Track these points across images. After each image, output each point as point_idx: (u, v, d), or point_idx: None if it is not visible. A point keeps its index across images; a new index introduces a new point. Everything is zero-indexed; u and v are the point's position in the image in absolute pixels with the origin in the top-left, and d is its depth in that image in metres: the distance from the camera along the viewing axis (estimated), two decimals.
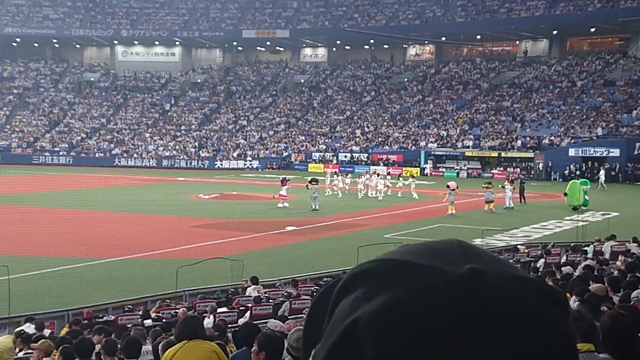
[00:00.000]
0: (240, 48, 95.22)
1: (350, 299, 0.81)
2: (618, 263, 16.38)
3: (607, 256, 18.79)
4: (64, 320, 14.97)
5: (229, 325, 11.75)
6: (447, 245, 0.84)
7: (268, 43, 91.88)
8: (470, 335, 0.73)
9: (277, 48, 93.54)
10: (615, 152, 58.37)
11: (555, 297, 0.80)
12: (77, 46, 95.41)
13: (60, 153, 75.59)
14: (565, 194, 37.58)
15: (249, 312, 14.16)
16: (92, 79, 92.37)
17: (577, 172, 56.16)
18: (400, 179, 44.63)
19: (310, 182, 36.75)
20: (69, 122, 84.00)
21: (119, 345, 8.53)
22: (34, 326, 13.03)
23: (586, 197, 37.63)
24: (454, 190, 35.43)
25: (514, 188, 39.39)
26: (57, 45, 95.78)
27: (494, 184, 39.17)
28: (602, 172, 52.67)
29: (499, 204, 37.23)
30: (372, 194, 43.18)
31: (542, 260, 19.36)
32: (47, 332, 12.94)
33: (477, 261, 0.80)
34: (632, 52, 74.23)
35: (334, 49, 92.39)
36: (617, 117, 63.92)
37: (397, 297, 0.76)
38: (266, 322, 11.27)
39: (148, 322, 13.42)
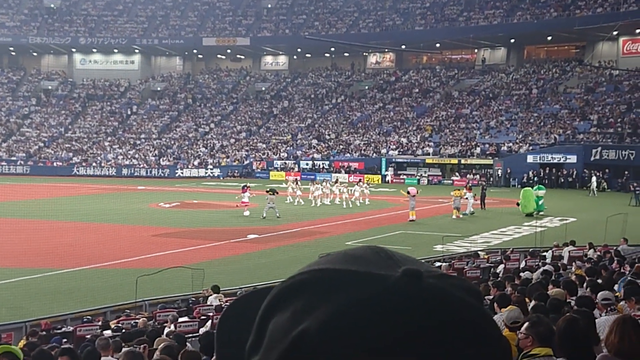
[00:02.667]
0: (200, 56, 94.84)
1: (287, 313, 0.79)
2: (573, 268, 16.62)
3: (565, 261, 19.07)
4: (21, 332, 14.73)
5: (189, 335, 11.67)
6: (367, 251, 0.85)
7: (229, 51, 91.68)
8: (419, 335, 0.75)
9: (238, 56, 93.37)
10: (573, 159, 59.28)
11: (474, 291, 0.83)
12: (35, 54, 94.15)
13: (18, 162, 74.41)
14: (518, 204, 38.15)
15: (210, 321, 14.08)
16: (50, 87, 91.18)
17: (535, 179, 56.90)
18: (356, 186, 44.75)
19: (268, 192, 36.65)
20: (25, 131, 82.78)
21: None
22: None
23: (541, 203, 38.19)
24: (414, 196, 35.68)
25: (474, 195, 39.82)
26: (13, 54, 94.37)
27: (462, 191, 39.44)
28: (593, 179, 53.12)
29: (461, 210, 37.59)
30: (327, 202, 43.21)
31: (501, 266, 19.58)
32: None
33: (405, 263, 0.82)
34: (588, 60, 75.47)
35: (295, 56, 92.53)
36: (573, 124, 64.96)
37: (343, 305, 0.76)
38: None
39: (107, 332, 13.27)
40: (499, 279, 14.67)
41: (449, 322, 0.76)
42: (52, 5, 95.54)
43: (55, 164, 74.41)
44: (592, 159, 58.87)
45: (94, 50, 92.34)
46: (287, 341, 0.77)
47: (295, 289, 0.81)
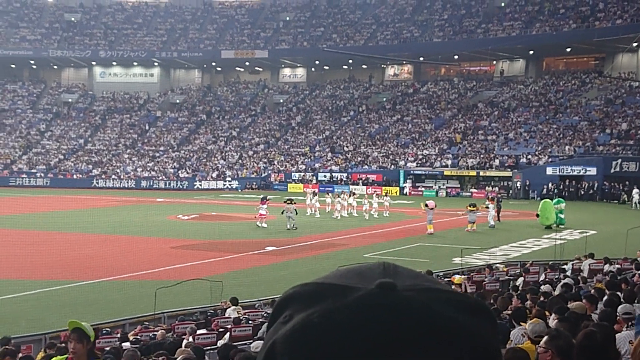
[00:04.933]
0: (219, 68, 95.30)
1: (277, 323, 0.84)
2: (594, 281, 16.48)
3: (585, 274, 18.91)
4: (41, 343, 14.80)
5: (208, 347, 11.68)
6: (369, 266, 0.86)
7: (247, 63, 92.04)
8: (381, 347, 0.75)
9: (256, 68, 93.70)
10: (592, 171, 58.87)
11: (471, 305, 0.81)
12: (55, 67, 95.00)
13: (38, 175, 75.02)
14: (537, 215, 37.85)
15: (228, 333, 14.08)
16: (70, 100, 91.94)
17: (555, 191, 56.60)
18: (375, 197, 44.68)
19: (285, 202, 36.86)
20: (46, 143, 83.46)
21: None
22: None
23: (561, 216, 37.90)
24: (432, 209, 35.55)
25: (495, 206, 39.63)
26: (34, 67, 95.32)
27: (479, 205, 39.28)
28: (635, 191, 52.53)
29: (480, 223, 37.38)
30: (344, 215, 43.11)
31: (521, 279, 19.44)
32: (21, 356, 12.76)
33: (393, 277, 0.82)
34: (607, 71, 75.08)
35: (313, 69, 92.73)
36: (593, 136, 64.55)
37: (308, 317, 0.79)
38: (245, 344, 11.22)
39: (126, 344, 13.30)
40: (519, 291, 14.58)
41: (410, 336, 0.75)
42: (72, 19, 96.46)
43: (75, 176, 74.92)
44: (612, 170, 58.45)
45: (114, 63, 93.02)
46: (264, 351, 0.82)
47: (286, 301, 0.85)
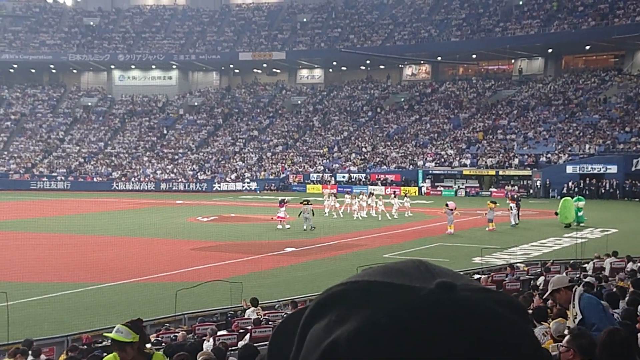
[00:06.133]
0: (237, 70, 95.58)
1: (323, 323, 0.81)
2: (616, 280, 16.35)
3: (607, 273, 18.76)
4: (63, 346, 14.89)
5: (229, 348, 11.71)
6: (410, 264, 0.85)
7: (265, 65, 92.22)
8: (450, 346, 0.74)
9: (274, 70, 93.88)
10: (613, 169, 58.44)
11: (516, 306, 0.82)
12: (74, 71, 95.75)
13: (58, 178, 75.58)
14: (557, 213, 37.59)
15: (248, 334, 14.12)
16: (90, 104, 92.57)
17: (576, 189, 56.24)
18: (396, 199, 44.58)
19: (301, 202, 36.94)
20: (66, 147, 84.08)
21: None
22: (30, 352, 12.98)
23: (581, 214, 37.62)
24: (452, 210, 35.43)
25: (518, 206, 39.35)
26: (54, 71, 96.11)
27: (499, 202, 39.05)
28: None
29: (499, 222, 37.20)
30: (364, 215, 43.12)
31: (541, 278, 19.32)
32: (43, 357, 12.88)
33: (442, 277, 0.82)
34: (627, 69, 74.56)
35: (331, 70, 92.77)
36: (613, 134, 64.08)
37: (374, 316, 0.77)
38: (266, 345, 11.22)
39: (147, 346, 13.35)
40: (540, 291, 14.50)
41: (481, 336, 0.75)
42: (91, 23, 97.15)
43: (95, 179, 75.42)
44: (633, 169, 58.00)
45: (133, 66, 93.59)
46: (320, 350, 0.79)
47: (332, 300, 0.82)
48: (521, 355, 0.77)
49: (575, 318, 7.88)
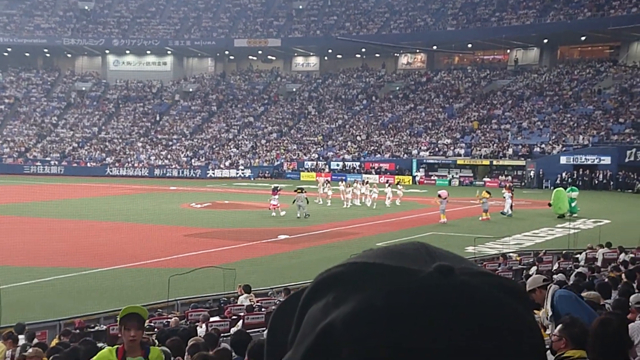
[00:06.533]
0: (232, 57, 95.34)
1: (321, 304, 0.80)
2: (609, 270, 16.42)
3: (599, 264, 18.83)
4: (55, 330, 14.90)
5: (221, 334, 11.73)
6: (411, 247, 0.84)
7: (260, 52, 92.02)
8: (447, 331, 0.74)
9: (269, 57, 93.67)
10: (607, 160, 58.59)
11: (516, 291, 0.81)
12: (69, 56, 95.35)
13: (52, 163, 75.40)
14: (550, 204, 37.65)
15: (241, 321, 14.14)
16: (84, 89, 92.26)
17: (569, 180, 56.37)
18: (389, 187, 44.60)
19: (295, 190, 36.92)
20: (60, 131, 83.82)
21: None
22: (23, 336, 12.99)
23: (574, 205, 37.70)
24: (445, 199, 35.47)
25: (512, 195, 39.37)
26: (48, 55, 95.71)
27: (492, 193, 39.09)
28: None
29: (492, 212, 37.27)
30: (358, 203, 43.25)
31: (534, 268, 19.38)
32: (36, 342, 12.89)
33: (442, 260, 0.81)
34: (622, 60, 74.62)
35: (326, 57, 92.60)
36: (608, 125, 64.19)
37: (370, 299, 0.76)
38: (258, 331, 11.26)
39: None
40: None
41: (478, 322, 0.75)
42: (86, 7, 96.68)
43: (88, 164, 75.30)
44: (627, 160, 58.16)
45: (127, 51, 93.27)
46: (315, 333, 0.77)
47: (330, 281, 0.81)
48: (520, 341, 0.77)
49: (547, 314, 8.03)
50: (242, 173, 70.29)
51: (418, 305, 0.74)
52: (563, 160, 60.18)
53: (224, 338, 11.28)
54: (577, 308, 7.69)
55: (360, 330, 0.74)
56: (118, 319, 5.67)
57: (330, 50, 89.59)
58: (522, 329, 0.78)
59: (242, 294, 16.99)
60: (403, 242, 0.87)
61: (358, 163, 69.03)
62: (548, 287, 8.25)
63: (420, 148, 69.11)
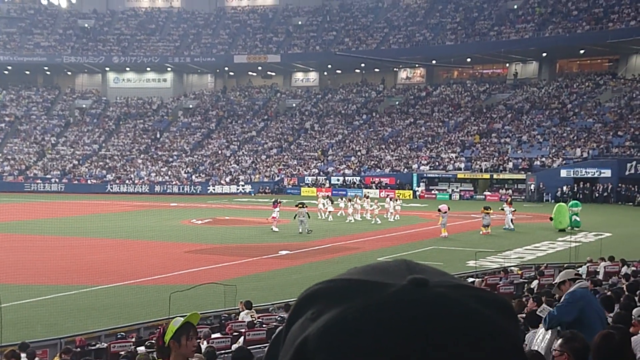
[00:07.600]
0: (231, 73, 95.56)
1: (300, 321, 0.82)
2: (610, 283, 16.38)
3: (600, 277, 18.80)
4: (56, 348, 14.86)
5: (222, 351, 11.70)
6: (392, 263, 0.86)
7: (259, 68, 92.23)
8: (417, 343, 0.74)
9: (269, 73, 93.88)
10: (607, 173, 58.57)
11: (499, 303, 0.81)
12: (69, 73, 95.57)
13: (53, 180, 75.39)
14: (551, 219, 37.66)
15: (242, 337, 14.11)
16: (84, 106, 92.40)
17: (570, 193, 56.34)
18: (391, 202, 44.60)
19: (297, 205, 36.99)
20: (60, 149, 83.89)
21: None
22: (25, 355, 12.95)
23: (577, 219, 37.71)
24: (445, 212, 35.46)
25: (513, 210, 39.35)
26: (48, 73, 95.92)
27: (493, 208, 39.11)
28: None
29: (494, 226, 37.23)
30: (359, 218, 43.30)
31: (535, 282, 19.37)
32: None
33: (420, 274, 0.82)
34: (622, 73, 74.76)
35: (325, 73, 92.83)
36: (607, 138, 64.22)
37: (343, 312, 0.77)
38: (260, 347, 11.22)
39: (141, 349, 13.35)
40: (534, 294, 14.52)
41: (454, 332, 0.75)
42: (86, 25, 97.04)
43: (89, 181, 75.29)
44: (627, 173, 58.15)
45: (127, 69, 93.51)
46: (294, 347, 0.80)
47: (310, 298, 0.84)
48: (498, 352, 0.76)
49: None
50: (243, 189, 70.27)
51: (390, 318, 0.75)
52: (563, 173, 60.17)
53: (225, 355, 11.26)
54: (569, 310, 7.91)
55: (331, 343, 0.76)
56: (175, 327, 5.00)
57: (329, 66, 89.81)
58: (499, 340, 0.77)
59: (243, 310, 16.96)
60: (389, 260, 0.89)
61: (358, 178, 69.03)
62: (577, 281, 8.49)
63: (420, 162, 69.15)
